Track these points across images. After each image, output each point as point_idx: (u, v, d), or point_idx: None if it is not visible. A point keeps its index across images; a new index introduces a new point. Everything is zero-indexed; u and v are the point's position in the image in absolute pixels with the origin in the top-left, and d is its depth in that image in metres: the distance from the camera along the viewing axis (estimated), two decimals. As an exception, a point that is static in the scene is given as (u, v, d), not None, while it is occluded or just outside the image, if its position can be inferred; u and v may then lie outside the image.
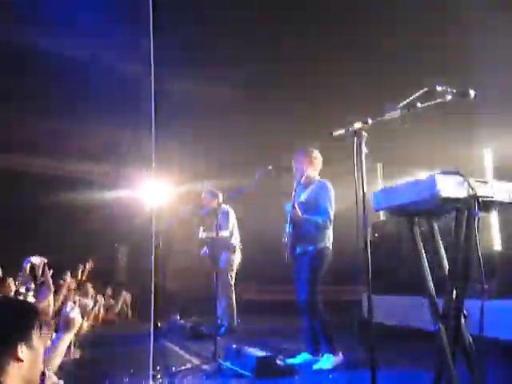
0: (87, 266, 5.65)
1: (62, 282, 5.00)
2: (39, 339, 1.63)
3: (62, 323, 2.60)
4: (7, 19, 6.04)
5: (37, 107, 8.75)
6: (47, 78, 7.75)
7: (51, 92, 8.40)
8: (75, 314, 2.69)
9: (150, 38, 3.82)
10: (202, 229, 5.96)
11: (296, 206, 4.15)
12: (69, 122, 9.36)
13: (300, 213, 4.12)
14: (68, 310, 2.69)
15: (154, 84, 3.88)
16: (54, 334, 2.54)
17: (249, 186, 4.57)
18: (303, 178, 4.24)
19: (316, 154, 4.37)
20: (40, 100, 8.54)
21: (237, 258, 6.04)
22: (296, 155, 4.35)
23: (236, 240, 6.07)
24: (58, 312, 4.07)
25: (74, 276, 5.23)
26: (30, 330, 1.59)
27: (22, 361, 1.54)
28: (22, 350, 1.55)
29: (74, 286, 5.43)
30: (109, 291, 7.40)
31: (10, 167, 9.27)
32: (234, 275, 5.98)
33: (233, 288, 5.95)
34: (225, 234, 5.87)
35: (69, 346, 3.91)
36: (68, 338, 2.59)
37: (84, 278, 5.39)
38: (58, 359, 2.40)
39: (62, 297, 4.85)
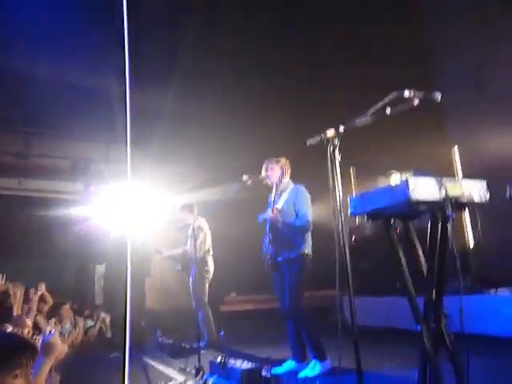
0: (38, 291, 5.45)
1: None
2: (7, 380, 1.54)
3: (41, 349, 2.52)
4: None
5: (7, 125, 8.57)
6: (18, 96, 7.60)
7: (22, 109, 8.24)
8: (55, 338, 2.62)
9: (124, 51, 3.78)
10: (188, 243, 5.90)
11: (274, 210, 4.16)
12: (39, 139, 9.21)
13: (279, 217, 4.13)
14: (47, 335, 2.62)
15: (129, 98, 3.83)
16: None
17: (227, 195, 4.59)
18: (280, 184, 4.27)
19: (285, 160, 4.44)
20: (4, 117, 8.37)
21: (208, 270, 5.97)
22: (267, 164, 4.39)
23: (208, 253, 6.01)
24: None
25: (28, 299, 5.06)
26: (14, 368, 1.51)
27: None
28: None
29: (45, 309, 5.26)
30: (87, 312, 7.22)
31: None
32: (206, 287, 5.91)
33: (206, 300, 5.88)
34: (188, 248, 5.85)
35: (49, 371, 3.80)
36: (49, 363, 2.52)
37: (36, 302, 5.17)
38: None
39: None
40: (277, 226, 4.18)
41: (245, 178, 4.38)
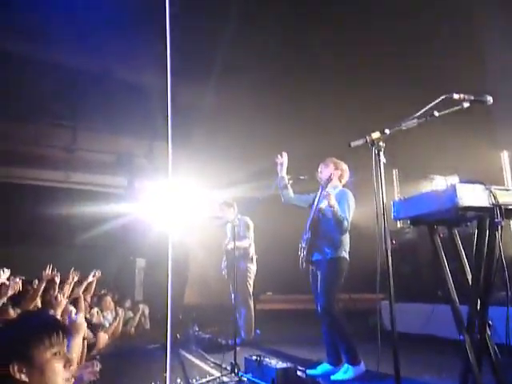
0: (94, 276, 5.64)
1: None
2: (46, 356, 1.58)
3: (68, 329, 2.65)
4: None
5: (52, 120, 8.92)
6: (61, 92, 7.89)
7: (66, 105, 8.55)
8: (80, 318, 2.76)
9: (166, 49, 3.87)
10: (227, 240, 5.94)
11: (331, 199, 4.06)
12: (84, 134, 9.53)
13: (333, 201, 4.03)
14: (73, 315, 2.77)
15: (170, 95, 3.92)
16: None
17: (265, 194, 4.59)
18: (328, 185, 4.21)
19: (344, 166, 4.39)
20: (55, 113, 8.71)
21: (254, 268, 6.03)
22: (324, 163, 4.36)
23: (253, 250, 6.06)
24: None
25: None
26: (28, 349, 1.55)
27: (24, 382, 1.51)
28: (22, 370, 1.52)
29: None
30: (127, 304, 7.43)
31: (22, 180, 9.38)
32: (252, 285, 5.95)
33: (252, 298, 5.93)
34: (245, 244, 5.86)
35: (93, 358, 3.96)
36: (77, 342, 2.65)
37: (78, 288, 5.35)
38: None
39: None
40: (317, 224, 4.15)
41: (285, 176, 4.39)
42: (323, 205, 4.18)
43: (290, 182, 4.43)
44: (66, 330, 1.67)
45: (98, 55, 7.02)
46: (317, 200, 4.24)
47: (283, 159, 4.44)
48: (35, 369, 1.55)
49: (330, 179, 4.16)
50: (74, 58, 7.00)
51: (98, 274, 5.79)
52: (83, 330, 2.81)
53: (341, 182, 4.37)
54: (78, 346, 2.71)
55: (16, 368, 1.51)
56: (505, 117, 6.24)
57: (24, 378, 1.52)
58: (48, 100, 8.00)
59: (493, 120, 6.50)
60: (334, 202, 4.02)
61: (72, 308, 3.15)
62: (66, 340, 1.65)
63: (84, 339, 4.01)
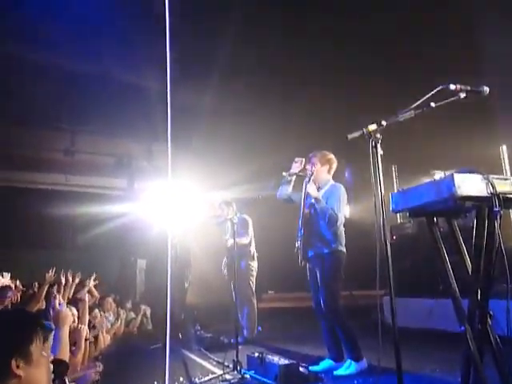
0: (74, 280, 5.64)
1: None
2: (40, 351, 1.60)
3: (53, 320, 2.64)
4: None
5: (54, 122, 8.92)
6: (60, 94, 7.89)
7: (65, 108, 8.55)
8: (65, 309, 2.76)
9: (166, 51, 3.87)
10: (227, 237, 5.92)
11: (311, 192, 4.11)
12: (83, 137, 9.53)
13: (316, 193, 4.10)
14: (57, 306, 2.76)
15: (170, 97, 3.92)
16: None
17: (265, 192, 4.57)
18: (314, 178, 4.20)
19: (331, 156, 4.36)
20: (52, 115, 8.70)
21: (255, 265, 6.02)
22: (310, 157, 4.32)
23: (253, 248, 6.06)
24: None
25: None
26: (26, 344, 1.56)
27: (20, 376, 1.52)
28: (19, 365, 1.52)
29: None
30: (129, 305, 7.43)
31: (21, 184, 9.39)
32: (254, 282, 5.95)
33: (255, 295, 5.93)
34: (244, 241, 5.85)
35: (95, 359, 3.96)
36: (63, 334, 2.64)
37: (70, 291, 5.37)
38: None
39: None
40: (309, 221, 4.15)
41: (284, 173, 4.36)
42: (311, 200, 4.18)
43: (294, 177, 4.38)
44: (44, 326, 1.67)
45: (97, 57, 7.03)
46: (304, 197, 4.22)
47: (302, 160, 4.37)
48: (33, 364, 1.56)
49: (313, 175, 4.18)
50: (73, 60, 7.01)
51: (94, 281, 5.84)
52: (69, 321, 2.80)
53: (330, 173, 4.34)
54: (65, 337, 2.70)
55: (14, 363, 1.52)
56: (503, 111, 6.25)
57: (21, 373, 1.52)
58: (47, 103, 8.00)
59: (492, 115, 6.51)
60: (317, 196, 4.09)
61: (57, 298, 3.13)
62: (43, 337, 1.65)
63: (86, 340, 4.01)
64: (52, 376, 1.68)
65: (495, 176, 2.12)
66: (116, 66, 7.33)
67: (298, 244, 4.20)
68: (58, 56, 6.92)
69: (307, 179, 4.20)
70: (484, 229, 2.15)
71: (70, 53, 6.79)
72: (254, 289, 5.92)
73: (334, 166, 4.36)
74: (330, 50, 6.31)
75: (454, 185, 2.02)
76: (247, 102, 7.47)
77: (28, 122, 8.60)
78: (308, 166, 4.28)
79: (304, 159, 4.33)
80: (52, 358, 1.72)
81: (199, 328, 6.30)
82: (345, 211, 4.29)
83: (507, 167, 7.82)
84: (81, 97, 7.90)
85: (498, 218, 2.09)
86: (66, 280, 5.23)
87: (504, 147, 8.03)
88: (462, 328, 2.25)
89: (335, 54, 6.29)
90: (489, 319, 2.23)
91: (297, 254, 4.19)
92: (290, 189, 4.42)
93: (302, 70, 6.81)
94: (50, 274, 5.13)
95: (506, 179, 2.15)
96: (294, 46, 6.53)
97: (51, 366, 1.67)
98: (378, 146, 2.22)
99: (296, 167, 4.33)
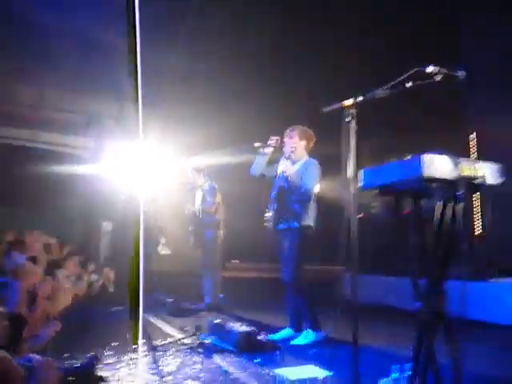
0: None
1: None
2: None
3: (13, 273, 2.58)
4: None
5: (22, 76, 8.54)
6: (32, 49, 7.55)
7: (35, 63, 8.19)
8: (27, 263, 2.70)
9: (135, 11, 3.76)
10: (189, 205, 5.90)
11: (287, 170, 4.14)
12: (52, 93, 9.18)
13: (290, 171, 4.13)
14: (17, 257, 2.70)
15: (141, 56, 3.82)
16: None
17: (235, 159, 4.54)
18: (292, 153, 4.22)
19: (311, 133, 4.36)
20: (22, 70, 8.33)
21: (221, 233, 6.03)
22: (290, 131, 4.31)
23: (221, 216, 6.05)
24: None
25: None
26: None
27: None
28: None
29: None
30: (92, 267, 7.35)
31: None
32: (219, 251, 5.97)
33: (219, 264, 5.96)
34: (209, 207, 5.83)
35: (49, 318, 3.91)
36: (22, 288, 2.59)
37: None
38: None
39: None
40: (281, 195, 4.17)
41: (257, 144, 4.33)
42: (285, 175, 4.20)
43: (268, 155, 4.34)
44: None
45: (68, 12, 6.74)
46: (280, 171, 4.24)
47: (278, 140, 4.31)
48: None
49: (292, 152, 4.19)
50: (43, 14, 6.70)
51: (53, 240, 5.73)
52: (31, 277, 2.73)
53: (307, 150, 4.35)
54: (26, 292, 2.64)
55: None
56: (474, 98, 6.35)
57: None
58: (15, 55, 7.65)
59: (463, 102, 6.62)
60: (292, 173, 4.12)
61: (16, 251, 3.06)
62: None
63: (45, 298, 3.96)
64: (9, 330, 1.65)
65: (465, 159, 2.14)
66: (87, 21, 7.04)
67: (268, 215, 4.23)
68: (30, 10, 6.62)
69: (286, 155, 4.21)
70: (448, 211, 2.19)
71: (40, 7, 6.50)
72: (218, 257, 5.95)
73: (312, 143, 4.37)
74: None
75: (421, 165, 2.03)
76: (221, 65, 7.31)
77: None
78: (287, 140, 4.27)
79: (279, 138, 4.30)
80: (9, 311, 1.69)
81: (161, 293, 6.31)
82: (316, 187, 4.33)
83: (474, 155, 7.98)
84: (52, 52, 7.58)
85: (462, 201, 2.13)
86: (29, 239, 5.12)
87: (474, 134, 8.17)
88: (417, 304, 2.32)
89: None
90: (443, 297, 2.31)
91: (266, 225, 4.24)
92: (264, 166, 4.38)
93: (280, 31, 6.67)
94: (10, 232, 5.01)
95: (474, 162, 2.17)
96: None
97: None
98: (353, 121, 2.22)
99: (272, 145, 4.30)
